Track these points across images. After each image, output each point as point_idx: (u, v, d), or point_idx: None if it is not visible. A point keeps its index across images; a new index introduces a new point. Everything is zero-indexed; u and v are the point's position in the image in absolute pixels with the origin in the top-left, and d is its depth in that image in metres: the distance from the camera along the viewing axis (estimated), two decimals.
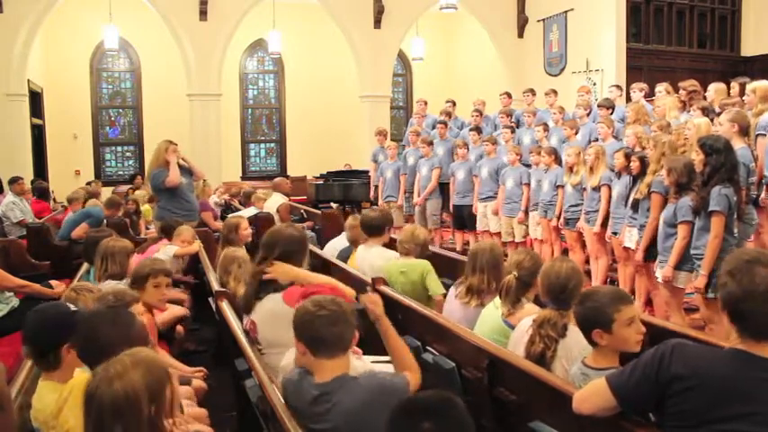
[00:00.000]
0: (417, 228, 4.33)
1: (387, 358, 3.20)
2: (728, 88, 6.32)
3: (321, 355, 2.11)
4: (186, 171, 6.21)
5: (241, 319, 3.17)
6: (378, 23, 12.84)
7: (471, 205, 7.73)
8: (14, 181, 8.46)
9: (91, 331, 2.18)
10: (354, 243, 4.93)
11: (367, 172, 10.28)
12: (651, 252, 4.77)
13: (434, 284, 3.93)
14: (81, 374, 2.24)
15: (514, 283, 3.02)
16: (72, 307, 2.39)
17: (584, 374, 2.28)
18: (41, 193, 9.94)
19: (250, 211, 7.71)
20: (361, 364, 2.41)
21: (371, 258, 4.38)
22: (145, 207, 8.65)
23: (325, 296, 2.24)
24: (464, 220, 7.89)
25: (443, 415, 1.54)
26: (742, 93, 5.82)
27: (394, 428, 1.57)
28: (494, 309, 3.13)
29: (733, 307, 1.74)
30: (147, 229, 7.92)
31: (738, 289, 1.71)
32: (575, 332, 2.54)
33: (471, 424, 1.59)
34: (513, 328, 2.94)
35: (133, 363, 1.75)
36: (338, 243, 5.42)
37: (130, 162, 14.58)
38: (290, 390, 2.22)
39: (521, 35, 13.44)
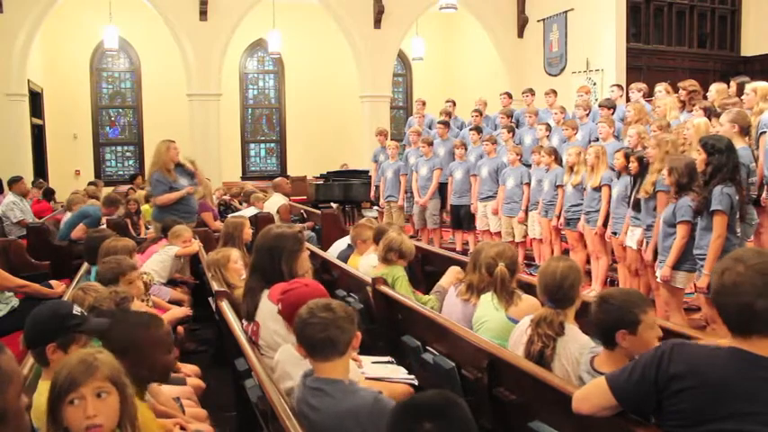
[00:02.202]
0: (391, 235, 4.19)
1: (387, 358, 3.21)
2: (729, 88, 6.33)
3: (316, 357, 2.21)
4: (188, 174, 6.20)
5: (241, 320, 3.17)
6: (378, 23, 12.84)
7: (468, 205, 7.74)
8: (15, 181, 8.47)
9: (125, 333, 2.23)
10: (355, 243, 4.94)
11: (367, 172, 10.28)
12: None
13: (404, 291, 3.93)
14: None
15: (507, 272, 3.11)
16: (77, 308, 2.38)
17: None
18: (47, 194, 9.94)
19: (250, 211, 7.70)
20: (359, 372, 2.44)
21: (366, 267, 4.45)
22: (145, 207, 8.64)
23: (318, 301, 2.29)
24: (461, 219, 7.90)
25: (446, 415, 1.52)
26: (740, 92, 5.82)
27: (394, 428, 1.55)
28: (494, 311, 3.12)
29: (713, 302, 1.80)
30: (148, 229, 7.91)
31: (716, 284, 1.75)
32: (572, 330, 2.56)
33: (474, 425, 1.56)
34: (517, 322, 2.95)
35: None
36: (341, 244, 5.44)
37: (130, 162, 14.60)
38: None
39: (521, 35, 13.44)
